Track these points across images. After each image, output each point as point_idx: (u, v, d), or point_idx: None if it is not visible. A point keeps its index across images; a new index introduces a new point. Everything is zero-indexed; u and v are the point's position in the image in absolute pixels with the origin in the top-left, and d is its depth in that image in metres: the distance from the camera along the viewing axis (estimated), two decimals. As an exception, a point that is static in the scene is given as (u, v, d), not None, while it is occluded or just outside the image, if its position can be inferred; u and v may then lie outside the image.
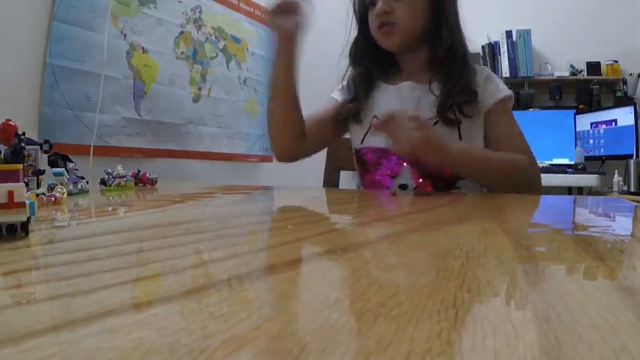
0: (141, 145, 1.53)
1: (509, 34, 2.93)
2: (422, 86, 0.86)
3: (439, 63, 0.85)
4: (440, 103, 0.83)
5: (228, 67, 1.90)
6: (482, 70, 0.88)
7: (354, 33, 0.95)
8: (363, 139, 0.91)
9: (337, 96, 0.98)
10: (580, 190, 2.71)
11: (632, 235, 0.37)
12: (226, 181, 1.00)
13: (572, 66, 2.89)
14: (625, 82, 2.76)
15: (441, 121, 0.83)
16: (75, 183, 0.65)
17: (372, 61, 0.93)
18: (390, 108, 0.86)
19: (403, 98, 0.87)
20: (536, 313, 0.15)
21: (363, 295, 0.16)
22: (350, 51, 0.96)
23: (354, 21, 0.95)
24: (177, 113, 1.66)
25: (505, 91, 0.86)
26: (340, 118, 0.93)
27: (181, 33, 1.67)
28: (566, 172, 2.61)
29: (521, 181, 0.80)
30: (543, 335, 0.12)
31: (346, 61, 0.97)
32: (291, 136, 0.91)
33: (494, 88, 0.86)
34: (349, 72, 0.96)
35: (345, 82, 0.98)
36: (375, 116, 0.90)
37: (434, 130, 0.80)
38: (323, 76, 1.00)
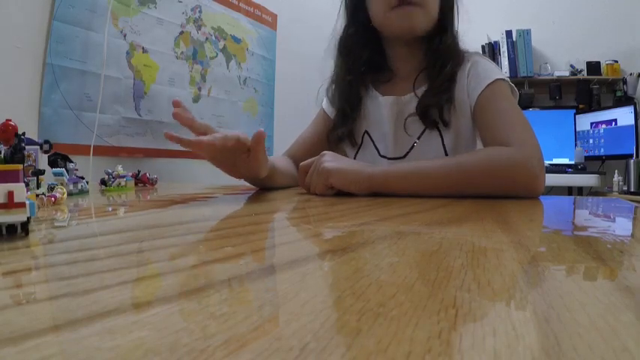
0: (141, 145, 1.53)
1: (509, 34, 2.93)
2: (404, 98, 0.84)
3: (435, 57, 0.82)
4: (419, 107, 0.81)
5: (228, 67, 1.90)
6: (468, 60, 0.81)
7: (345, 25, 0.90)
8: (355, 155, 0.90)
9: (327, 107, 0.95)
10: (580, 190, 2.71)
11: (632, 235, 0.37)
12: (226, 181, 1.00)
13: (572, 66, 2.89)
14: (625, 82, 2.76)
15: (424, 126, 0.81)
16: (75, 183, 0.65)
17: (365, 58, 0.88)
18: (380, 122, 0.86)
19: (387, 114, 0.85)
20: (536, 313, 0.15)
21: (363, 295, 0.16)
22: (340, 44, 0.90)
23: (343, 11, 0.90)
24: (177, 113, 1.66)
25: (489, 77, 0.76)
26: (333, 140, 0.90)
27: (181, 33, 1.67)
28: (566, 172, 2.62)
29: (499, 180, 0.63)
30: (543, 335, 0.12)
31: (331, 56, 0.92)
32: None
33: (477, 81, 0.77)
34: (335, 71, 0.92)
35: (329, 90, 0.94)
36: (366, 131, 0.89)
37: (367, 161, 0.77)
38: (310, 72, 0.99)
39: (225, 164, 0.65)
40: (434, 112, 0.80)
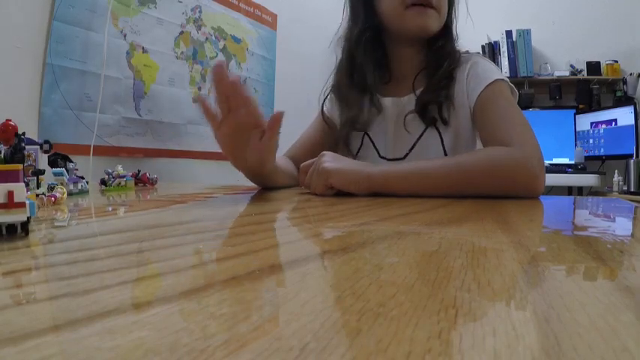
0: (141, 145, 1.53)
1: (509, 34, 2.93)
2: (404, 99, 0.84)
3: (434, 58, 0.82)
4: (418, 103, 0.81)
5: (228, 67, 1.90)
6: (468, 61, 0.82)
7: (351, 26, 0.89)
8: (356, 156, 0.89)
9: (327, 108, 0.94)
10: (580, 190, 2.71)
11: (632, 235, 0.37)
12: (226, 181, 1.00)
13: (572, 66, 2.89)
14: (625, 82, 2.77)
15: (424, 124, 0.81)
16: (75, 183, 0.65)
17: (373, 59, 0.88)
18: (379, 126, 0.86)
19: (387, 115, 0.86)
20: (536, 313, 0.15)
21: (363, 295, 0.16)
22: (346, 44, 0.90)
23: (347, 10, 0.90)
24: (177, 113, 1.66)
25: (488, 78, 0.76)
26: (341, 141, 0.90)
27: (181, 33, 1.67)
28: (566, 172, 2.62)
29: (500, 180, 0.63)
30: (543, 335, 0.12)
31: (333, 58, 0.92)
32: (295, 183, 0.84)
33: (477, 81, 0.78)
34: (340, 71, 0.92)
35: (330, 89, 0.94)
36: (365, 133, 0.88)
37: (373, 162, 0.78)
38: (312, 73, 0.99)
39: (235, 145, 0.63)
40: (432, 109, 0.81)
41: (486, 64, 0.81)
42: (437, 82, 0.80)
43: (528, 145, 0.66)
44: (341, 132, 0.89)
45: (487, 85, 0.76)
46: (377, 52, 0.89)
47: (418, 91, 0.83)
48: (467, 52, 0.86)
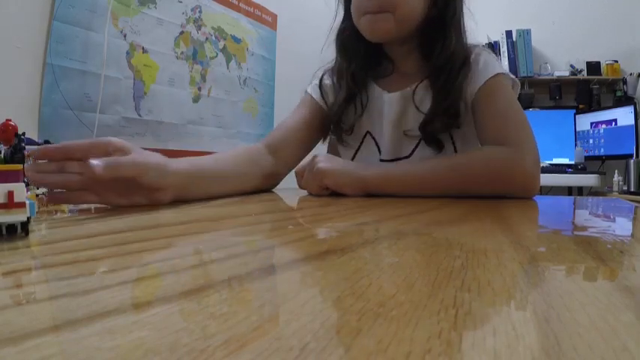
0: (141, 145, 1.51)
1: (509, 34, 2.93)
2: (408, 94, 0.80)
3: (438, 68, 0.77)
4: (423, 125, 0.77)
5: (228, 67, 1.90)
6: (469, 56, 0.78)
7: (340, 17, 0.86)
8: (354, 156, 0.87)
9: (314, 93, 0.88)
10: (580, 190, 2.71)
11: (632, 235, 0.37)
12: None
13: (572, 66, 2.89)
14: (625, 82, 2.76)
15: (423, 140, 0.78)
16: (75, 183, 0.65)
17: (363, 54, 0.85)
18: (378, 122, 0.83)
19: (390, 111, 0.82)
20: (536, 313, 0.15)
21: (363, 295, 0.16)
22: (336, 41, 0.87)
23: (340, 4, 0.87)
24: (177, 113, 1.66)
25: (489, 72, 0.74)
26: (337, 131, 0.86)
27: (181, 33, 1.67)
28: (566, 172, 2.62)
29: (495, 181, 0.63)
30: (543, 335, 0.12)
31: (330, 51, 0.88)
32: (256, 184, 0.73)
33: (477, 75, 0.75)
34: (336, 65, 0.88)
35: (325, 78, 0.89)
36: (368, 132, 0.85)
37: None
38: (304, 68, 0.96)
39: (139, 188, 0.53)
40: (443, 137, 0.78)
41: (488, 56, 0.79)
42: (446, 109, 0.76)
43: (525, 145, 0.65)
44: (338, 109, 0.84)
45: (487, 80, 0.74)
46: (371, 45, 0.84)
47: (419, 94, 0.80)
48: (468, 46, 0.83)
